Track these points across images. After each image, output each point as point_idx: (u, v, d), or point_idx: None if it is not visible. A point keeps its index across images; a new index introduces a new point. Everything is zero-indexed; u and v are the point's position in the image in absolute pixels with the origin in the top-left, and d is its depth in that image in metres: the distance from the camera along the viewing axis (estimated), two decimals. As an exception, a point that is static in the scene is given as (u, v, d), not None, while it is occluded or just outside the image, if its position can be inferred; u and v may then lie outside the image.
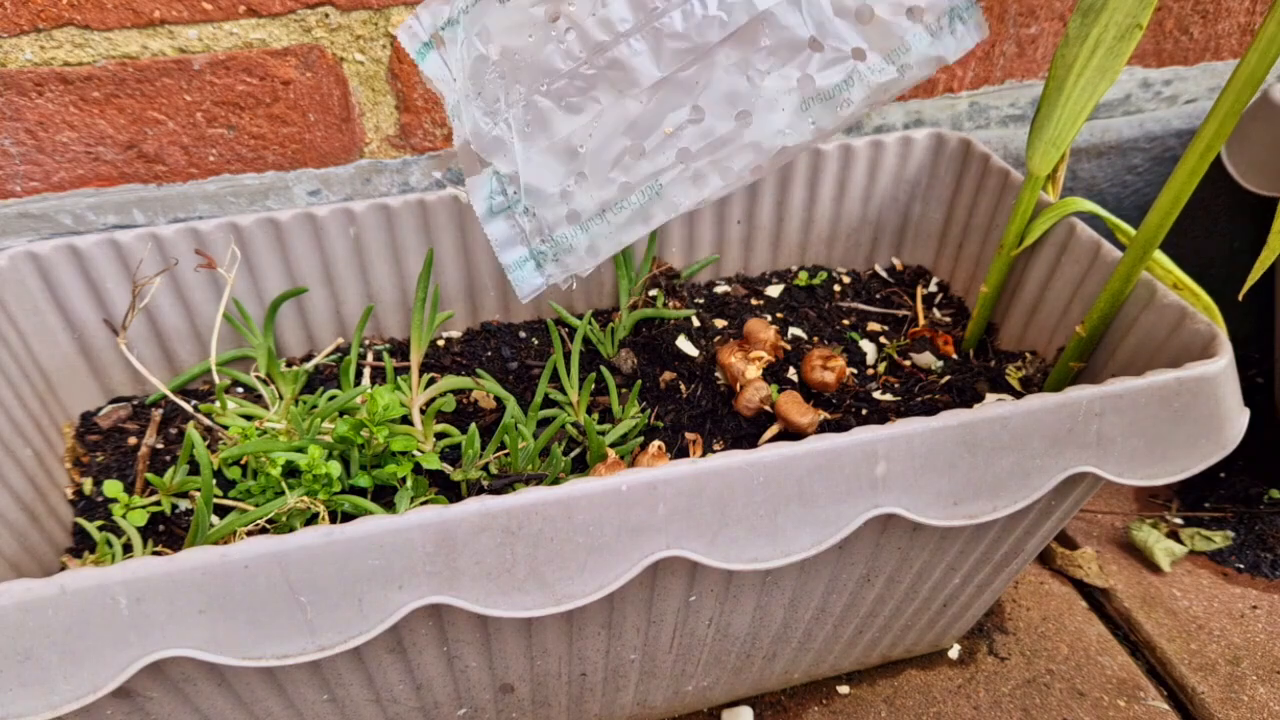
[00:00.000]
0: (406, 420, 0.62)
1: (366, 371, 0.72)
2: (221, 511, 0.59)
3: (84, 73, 0.64)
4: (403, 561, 0.44)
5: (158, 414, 0.67)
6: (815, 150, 0.77)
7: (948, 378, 0.70)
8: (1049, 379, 0.67)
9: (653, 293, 0.74)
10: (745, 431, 0.66)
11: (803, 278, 0.82)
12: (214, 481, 0.54)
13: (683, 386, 0.69)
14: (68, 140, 0.67)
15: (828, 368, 0.67)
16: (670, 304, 0.74)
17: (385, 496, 0.60)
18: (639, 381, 0.68)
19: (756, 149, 0.49)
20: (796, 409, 0.63)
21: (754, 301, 0.79)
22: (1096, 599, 0.81)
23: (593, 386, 0.67)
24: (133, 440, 0.67)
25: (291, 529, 0.54)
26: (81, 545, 0.61)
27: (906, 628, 0.68)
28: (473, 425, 0.58)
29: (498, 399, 0.67)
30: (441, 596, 0.45)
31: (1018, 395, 0.68)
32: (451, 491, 0.61)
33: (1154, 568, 0.83)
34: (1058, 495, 0.56)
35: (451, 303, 0.76)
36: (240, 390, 0.70)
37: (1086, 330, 0.63)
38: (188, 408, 0.65)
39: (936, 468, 0.50)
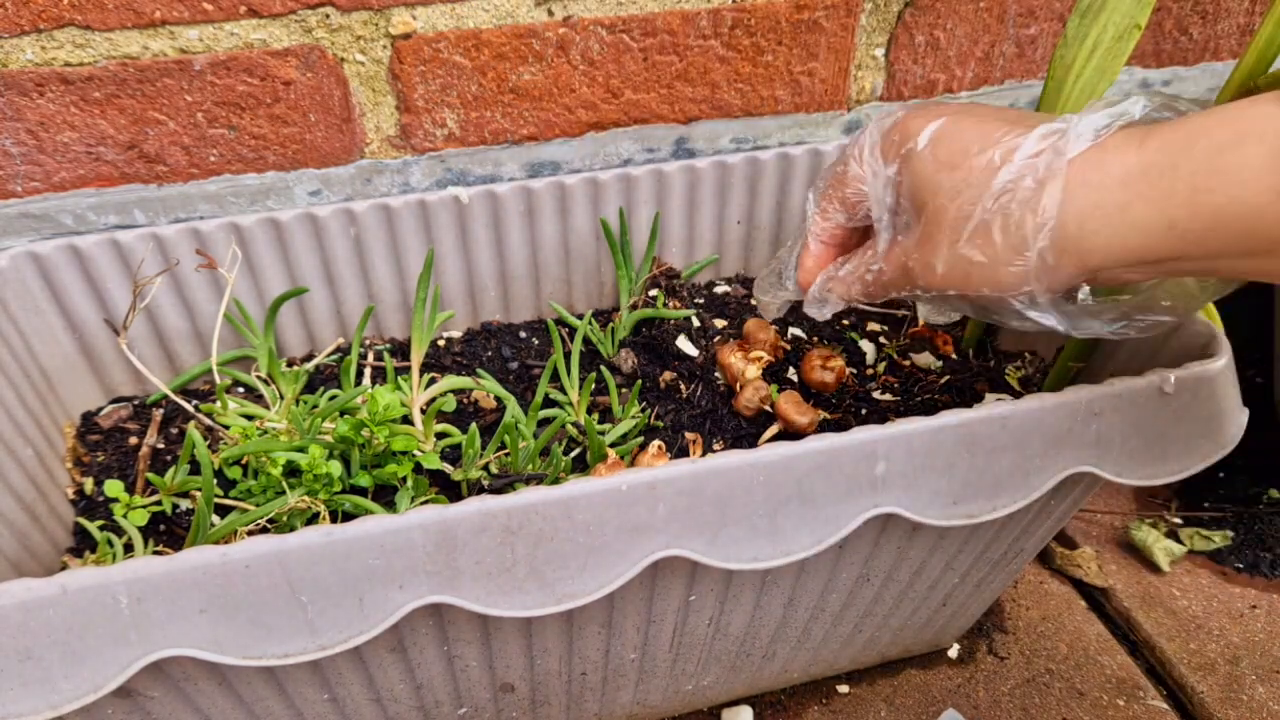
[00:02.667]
0: (407, 420, 0.62)
1: (367, 371, 0.72)
2: (222, 511, 0.60)
3: (85, 73, 0.64)
4: (403, 561, 0.44)
5: (158, 414, 0.68)
6: (814, 150, 0.77)
7: (947, 378, 0.70)
8: (1048, 379, 0.68)
9: (653, 293, 0.74)
10: (745, 431, 0.66)
11: (802, 278, 0.82)
12: (215, 481, 0.55)
13: (683, 386, 0.69)
14: (69, 140, 0.67)
15: (827, 368, 0.67)
16: (670, 304, 0.74)
17: (386, 496, 0.60)
18: (639, 381, 0.68)
19: None
20: (796, 409, 0.64)
21: (754, 301, 0.79)
22: (1096, 599, 0.81)
23: (593, 386, 0.67)
24: (133, 440, 0.67)
25: (292, 528, 0.54)
26: (82, 545, 0.61)
27: (905, 626, 0.68)
28: (473, 425, 0.58)
29: (498, 399, 0.67)
30: (442, 596, 0.45)
31: (1017, 395, 0.68)
32: (452, 491, 0.61)
33: (1153, 567, 0.83)
34: (1057, 495, 0.56)
35: (452, 303, 0.76)
36: (241, 390, 0.70)
37: (1086, 330, 0.63)
38: (188, 407, 0.65)
39: (936, 467, 0.50)
